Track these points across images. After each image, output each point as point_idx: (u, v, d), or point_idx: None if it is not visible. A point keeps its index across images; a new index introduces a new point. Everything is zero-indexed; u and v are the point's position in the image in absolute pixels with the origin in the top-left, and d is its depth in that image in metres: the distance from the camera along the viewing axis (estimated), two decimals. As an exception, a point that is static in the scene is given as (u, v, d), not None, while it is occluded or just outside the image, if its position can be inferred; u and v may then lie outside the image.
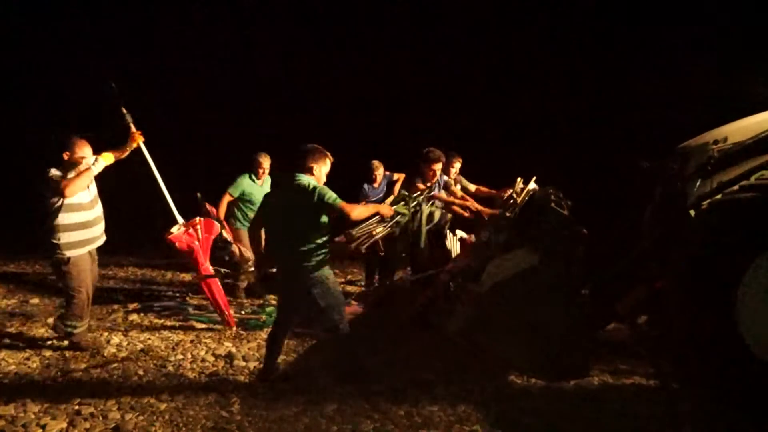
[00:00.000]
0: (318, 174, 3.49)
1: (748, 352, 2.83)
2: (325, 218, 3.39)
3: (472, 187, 5.80)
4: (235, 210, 5.77)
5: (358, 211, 3.53)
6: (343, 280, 6.97)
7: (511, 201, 4.13)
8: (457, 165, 5.62)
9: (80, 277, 4.12)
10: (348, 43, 12.41)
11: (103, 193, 4.36)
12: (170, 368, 3.92)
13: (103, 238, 4.33)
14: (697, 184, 3.34)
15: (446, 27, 12.14)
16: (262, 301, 5.56)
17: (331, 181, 3.60)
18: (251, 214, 5.56)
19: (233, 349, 4.29)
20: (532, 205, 4.05)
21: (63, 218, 3.99)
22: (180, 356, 4.15)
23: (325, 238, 3.43)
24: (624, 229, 4.09)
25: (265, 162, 5.77)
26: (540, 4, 11.17)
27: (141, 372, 3.85)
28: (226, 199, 5.69)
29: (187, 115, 12.22)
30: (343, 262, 7.82)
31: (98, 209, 4.25)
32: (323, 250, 3.41)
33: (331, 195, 3.34)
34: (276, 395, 3.42)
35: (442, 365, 3.78)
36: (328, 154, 3.56)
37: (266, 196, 3.76)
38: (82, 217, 4.08)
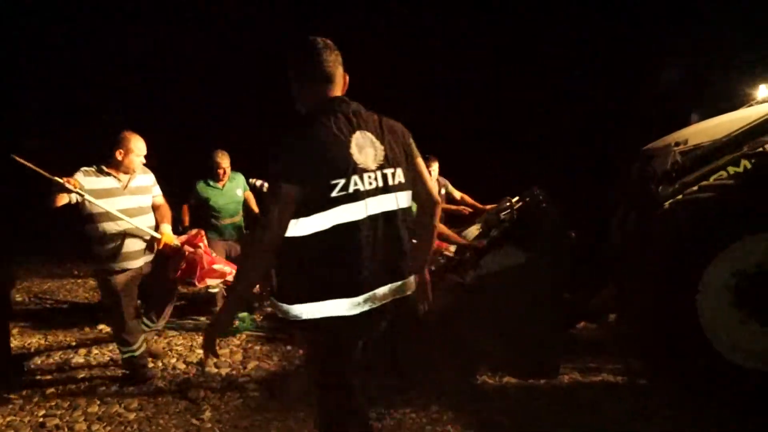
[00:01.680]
0: None
1: (710, 348, 2.92)
2: None
3: (458, 195, 5.84)
4: (204, 220, 5.24)
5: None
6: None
7: (508, 204, 4.14)
8: (435, 166, 5.61)
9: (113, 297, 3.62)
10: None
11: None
12: (140, 377, 3.84)
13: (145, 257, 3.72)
14: (660, 184, 3.43)
15: (434, 25, 12.23)
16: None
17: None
18: (218, 222, 5.20)
19: (202, 355, 4.22)
20: (527, 206, 4.07)
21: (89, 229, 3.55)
22: (150, 364, 4.07)
23: None
24: (597, 229, 4.18)
25: (224, 161, 5.19)
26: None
27: (109, 382, 3.77)
28: (185, 210, 5.30)
29: (183, 117, 12.10)
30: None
31: (139, 221, 3.63)
32: None
33: None
34: (247, 402, 3.39)
35: (415, 366, 3.78)
36: None
37: None
38: (110, 229, 3.54)
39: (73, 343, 4.57)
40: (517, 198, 4.18)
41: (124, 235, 3.57)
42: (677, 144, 3.62)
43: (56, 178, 3.24)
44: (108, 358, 4.22)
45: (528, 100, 10.53)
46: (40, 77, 13.22)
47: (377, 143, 1.88)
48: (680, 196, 3.13)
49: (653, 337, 2.98)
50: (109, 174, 3.58)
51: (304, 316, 1.83)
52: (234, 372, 3.90)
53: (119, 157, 3.54)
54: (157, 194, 3.87)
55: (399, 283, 1.93)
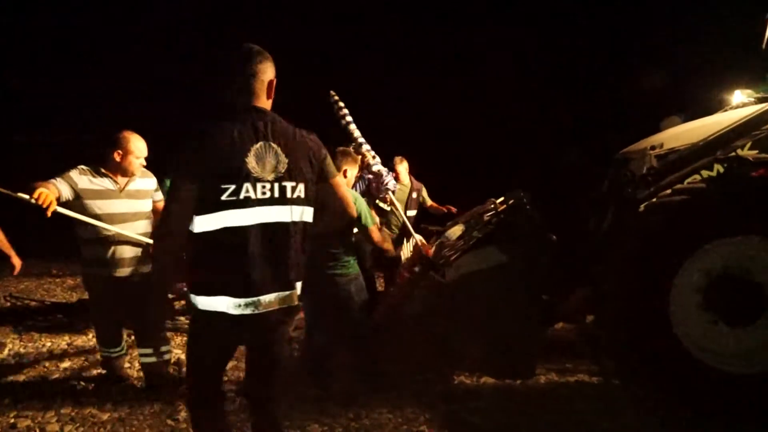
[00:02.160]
0: (349, 177, 3.55)
1: (682, 348, 2.96)
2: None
3: (429, 202, 5.86)
4: None
5: (378, 239, 3.53)
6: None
7: (491, 206, 4.17)
8: (404, 165, 5.55)
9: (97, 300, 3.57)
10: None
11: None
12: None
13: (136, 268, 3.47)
14: (636, 187, 3.47)
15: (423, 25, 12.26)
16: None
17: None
18: None
19: (182, 356, 4.19)
20: (510, 208, 4.10)
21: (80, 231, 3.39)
22: (126, 364, 4.03)
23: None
24: (578, 231, 4.22)
25: None
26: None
27: (83, 382, 3.72)
28: None
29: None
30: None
31: (134, 226, 3.43)
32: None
33: (365, 215, 3.38)
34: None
35: (392, 367, 3.80)
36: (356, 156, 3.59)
37: None
38: (98, 232, 3.34)
39: (49, 344, 4.51)
40: (500, 200, 4.22)
41: (115, 240, 3.36)
42: (653, 148, 3.67)
43: (21, 195, 2.89)
44: (83, 359, 4.17)
45: (512, 103, 10.62)
46: (30, 70, 13.01)
47: (281, 156, 1.91)
48: (654, 200, 3.17)
49: (625, 338, 3.01)
50: (105, 175, 3.38)
51: (199, 307, 1.94)
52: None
53: (117, 159, 3.34)
54: (159, 199, 3.64)
55: (286, 293, 1.97)
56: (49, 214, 2.89)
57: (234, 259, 1.88)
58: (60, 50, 12.73)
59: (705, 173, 3.23)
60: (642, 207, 3.23)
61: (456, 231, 4.70)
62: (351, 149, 3.63)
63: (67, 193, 3.21)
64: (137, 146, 3.39)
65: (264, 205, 1.89)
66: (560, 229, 3.81)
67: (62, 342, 4.59)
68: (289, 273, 1.97)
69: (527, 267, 3.37)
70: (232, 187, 1.83)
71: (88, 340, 4.65)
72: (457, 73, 11.40)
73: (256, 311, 1.91)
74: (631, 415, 3.05)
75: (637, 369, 3.10)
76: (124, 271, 3.43)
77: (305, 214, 2.00)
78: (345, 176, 3.53)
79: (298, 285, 2.03)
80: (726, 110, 3.89)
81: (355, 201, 3.42)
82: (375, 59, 11.83)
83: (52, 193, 3.00)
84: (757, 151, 3.17)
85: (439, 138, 10.75)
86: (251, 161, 1.85)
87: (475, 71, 11.28)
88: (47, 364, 4.05)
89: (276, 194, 1.90)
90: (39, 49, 12.94)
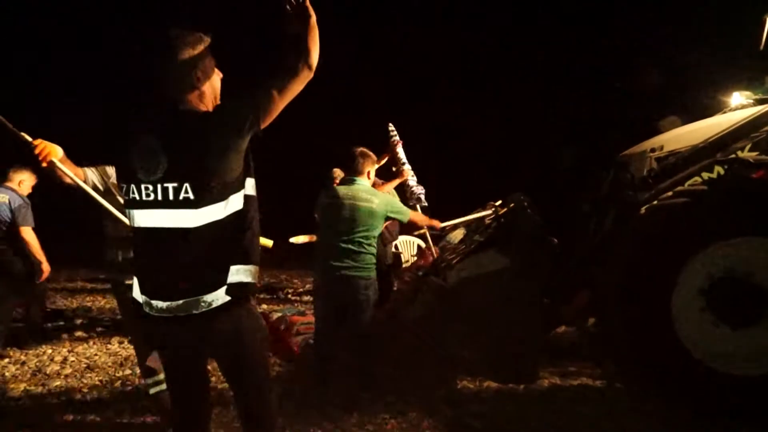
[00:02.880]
0: (372, 178, 3.70)
1: (684, 350, 2.95)
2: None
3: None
4: None
5: (423, 220, 3.80)
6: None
7: (493, 210, 4.18)
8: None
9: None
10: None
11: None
12: (117, 384, 3.80)
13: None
14: (637, 190, 3.47)
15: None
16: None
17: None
18: None
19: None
20: (511, 211, 4.10)
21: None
22: (128, 371, 4.03)
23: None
24: (575, 233, 4.22)
25: None
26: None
27: (86, 390, 3.71)
28: None
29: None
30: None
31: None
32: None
33: (399, 209, 3.60)
34: (224, 406, 3.35)
35: (395, 372, 3.79)
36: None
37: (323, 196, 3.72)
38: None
39: (50, 351, 4.50)
40: (501, 203, 4.23)
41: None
42: (653, 150, 3.68)
43: (23, 135, 2.54)
44: (84, 366, 4.16)
45: (513, 105, 10.64)
46: (36, 72, 13.03)
47: (161, 154, 1.71)
48: (655, 202, 3.18)
49: (627, 341, 3.01)
50: None
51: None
52: (214, 378, 3.86)
53: None
54: None
55: (179, 302, 1.76)
56: (44, 164, 2.56)
57: (135, 257, 1.88)
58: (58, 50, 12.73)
59: (705, 175, 3.23)
60: (643, 209, 3.23)
61: (457, 235, 4.71)
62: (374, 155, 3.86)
63: (95, 180, 2.95)
64: None
65: (146, 208, 1.76)
66: (561, 232, 3.82)
67: (63, 349, 4.58)
68: (181, 282, 1.76)
69: (528, 270, 3.37)
70: (124, 186, 1.80)
71: (89, 347, 4.64)
72: (457, 73, 11.42)
73: (156, 314, 1.80)
74: (634, 419, 3.04)
75: (639, 371, 3.10)
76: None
77: (197, 218, 1.72)
78: (369, 177, 3.61)
79: (216, 291, 1.77)
80: (725, 112, 3.89)
81: (387, 201, 3.53)
82: (375, 59, 11.86)
83: (76, 171, 2.74)
84: (757, 153, 3.18)
85: (439, 138, 10.78)
86: (134, 161, 1.74)
87: (476, 71, 11.31)
88: (48, 371, 4.04)
89: (159, 197, 1.73)
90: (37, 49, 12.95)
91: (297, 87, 1.85)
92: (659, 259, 2.93)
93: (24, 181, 4.62)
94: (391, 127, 4.67)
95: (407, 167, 4.56)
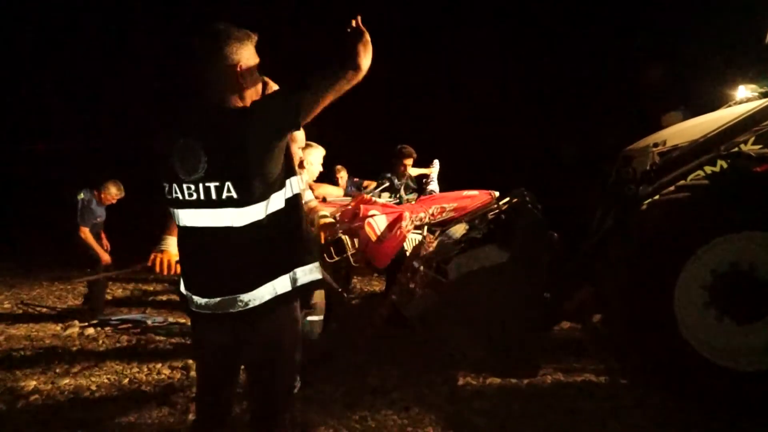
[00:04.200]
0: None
1: (687, 346, 2.94)
2: None
3: None
4: None
5: None
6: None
7: (494, 205, 4.18)
8: (341, 174, 6.57)
9: None
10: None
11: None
12: (125, 382, 3.84)
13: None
14: (640, 185, 3.46)
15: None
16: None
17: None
18: None
19: (191, 360, 4.22)
20: (512, 206, 4.10)
21: None
22: (135, 369, 4.08)
23: None
24: (577, 228, 4.21)
25: None
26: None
27: (94, 387, 3.77)
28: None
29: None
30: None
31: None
32: None
33: None
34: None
35: (397, 369, 3.80)
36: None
37: None
38: None
39: (59, 350, 4.56)
40: (502, 196, 4.23)
41: None
42: (656, 145, 3.66)
43: (138, 267, 2.33)
44: (93, 364, 4.21)
45: (515, 103, 10.61)
46: (45, 80, 13.19)
47: (201, 153, 1.71)
48: (657, 196, 3.16)
49: (630, 336, 3.00)
50: None
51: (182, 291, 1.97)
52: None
53: None
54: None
55: (216, 299, 1.81)
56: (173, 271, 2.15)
57: (183, 257, 1.92)
58: (65, 57, 12.87)
59: (708, 169, 3.22)
60: (645, 204, 3.22)
61: (458, 229, 4.71)
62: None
63: None
64: None
65: (190, 208, 1.78)
66: (563, 227, 3.81)
67: (73, 348, 4.64)
68: (231, 279, 1.79)
69: (529, 265, 3.36)
70: (167, 186, 1.81)
71: (98, 346, 4.70)
72: (458, 73, 11.40)
73: (209, 312, 1.84)
74: (638, 416, 3.03)
75: (643, 367, 3.09)
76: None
77: (243, 216, 1.74)
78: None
79: (254, 291, 1.79)
80: (730, 106, 3.86)
81: None
82: (375, 59, 11.85)
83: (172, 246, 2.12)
84: (760, 146, 3.15)
85: (440, 136, 10.76)
86: (176, 161, 1.75)
87: (476, 71, 11.29)
88: (57, 369, 4.10)
89: (202, 196, 1.74)
90: (42, 56, 13.10)
91: (343, 87, 1.83)
92: (662, 254, 2.92)
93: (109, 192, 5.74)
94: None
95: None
